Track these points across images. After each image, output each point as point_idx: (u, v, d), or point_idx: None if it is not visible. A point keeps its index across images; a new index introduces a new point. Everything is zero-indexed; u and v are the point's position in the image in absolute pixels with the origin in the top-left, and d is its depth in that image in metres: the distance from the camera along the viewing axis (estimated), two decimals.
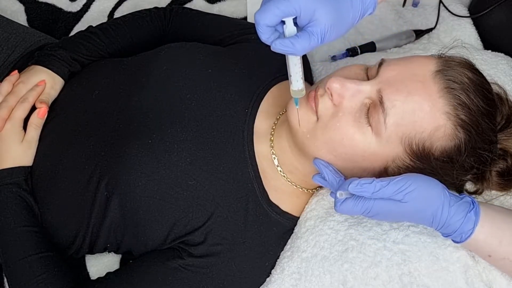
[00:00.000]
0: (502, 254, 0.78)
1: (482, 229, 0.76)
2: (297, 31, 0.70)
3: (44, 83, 1.00)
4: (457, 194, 0.79)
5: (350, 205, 0.77)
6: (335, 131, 0.80)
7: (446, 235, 0.79)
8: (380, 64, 0.82)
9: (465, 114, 0.77)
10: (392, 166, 0.81)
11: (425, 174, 0.80)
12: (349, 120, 0.79)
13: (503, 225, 0.77)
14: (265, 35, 0.69)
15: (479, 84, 0.80)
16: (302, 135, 0.83)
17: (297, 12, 0.68)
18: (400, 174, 0.81)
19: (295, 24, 0.70)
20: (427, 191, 0.76)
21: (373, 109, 0.79)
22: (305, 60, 1.11)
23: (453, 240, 0.79)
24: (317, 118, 0.81)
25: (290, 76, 0.78)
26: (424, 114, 0.77)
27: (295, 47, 0.69)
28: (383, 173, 0.82)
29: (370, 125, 0.79)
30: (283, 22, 0.70)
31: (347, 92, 0.79)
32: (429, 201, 0.76)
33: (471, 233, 0.76)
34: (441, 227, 0.77)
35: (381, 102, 0.78)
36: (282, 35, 0.71)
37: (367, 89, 0.79)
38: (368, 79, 0.82)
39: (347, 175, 0.84)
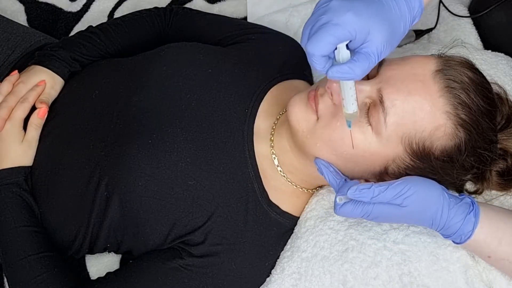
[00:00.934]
0: (501, 255, 0.78)
1: (481, 230, 0.77)
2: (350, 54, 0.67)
3: (44, 83, 1.00)
4: (457, 195, 0.80)
5: (350, 208, 0.77)
6: (335, 131, 0.80)
7: (446, 236, 0.79)
8: (380, 63, 0.82)
9: (465, 114, 0.77)
10: (393, 166, 0.81)
11: (425, 174, 0.80)
12: None
13: (502, 225, 0.77)
14: (320, 65, 0.67)
15: (479, 83, 0.80)
16: (302, 134, 0.83)
17: (352, 35, 0.65)
18: (400, 174, 0.81)
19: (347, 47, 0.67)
20: (426, 194, 0.76)
21: (373, 108, 0.79)
22: (305, 60, 1.11)
23: (453, 241, 0.79)
24: (317, 118, 0.81)
25: (343, 99, 0.74)
26: (424, 113, 0.77)
27: (355, 71, 0.66)
28: (384, 173, 0.82)
29: (370, 125, 0.79)
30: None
31: None
32: (428, 204, 0.76)
33: (471, 234, 0.76)
34: (441, 229, 0.77)
35: (381, 101, 0.78)
36: (334, 60, 0.68)
37: (367, 88, 0.79)
38: (368, 78, 0.82)
39: (348, 175, 0.84)
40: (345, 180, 0.82)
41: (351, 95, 0.73)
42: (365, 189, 0.75)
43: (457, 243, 0.79)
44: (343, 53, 0.67)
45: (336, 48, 0.67)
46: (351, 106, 0.74)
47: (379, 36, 0.66)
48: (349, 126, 0.77)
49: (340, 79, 0.68)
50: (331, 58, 0.69)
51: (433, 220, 0.77)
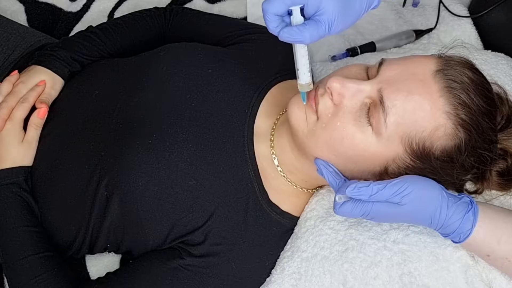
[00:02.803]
0: (500, 254, 0.78)
1: (480, 229, 0.77)
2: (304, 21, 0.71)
3: (44, 83, 1.00)
4: (456, 194, 0.80)
5: (349, 208, 0.77)
6: (335, 131, 0.80)
7: (445, 235, 0.79)
8: (380, 63, 0.82)
9: (465, 114, 0.77)
10: (393, 166, 0.81)
11: (425, 174, 0.80)
12: (350, 120, 0.79)
13: (501, 224, 0.78)
14: (272, 24, 0.70)
15: (479, 83, 0.80)
16: (303, 135, 0.83)
17: (305, 0, 0.69)
18: (400, 174, 0.81)
19: (302, 15, 0.71)
20: (424, 193, 0.76)
21: (374, 108, 0.79)
22: None
23: (452, 240, 0.79)
24: (317, 118, 0.81)
25: (297, 70, 0.77)
26: (424, 113, 0.77)
27: (303, 34, 0.70)
28: (384, 173, 0.82)
29: (370, 125, 0.79)
30: (290, 14, 0.71)
31: (348, 91, 0.79)
32: (427, 203, 0.76)
33: (470, 233, 0.77)
34: (440, 228, 0.77)
35: (381, 101, 0.78)
36: (289, 25, 0.72)
37: (368, 88, 0.79)
38: (369, 79, 0.82)
39: (348, 175, 0.84)
40: (345, 180, 0.82)
41: (303, 64, 0.77)
42: (363, 187, 0.75)
43: (456, 242, 0.79)
44: (296, 18, 0.71)
45: (291, 13, 0.71)
46: (303, 77, 0.78)
47: (331, 6, 0.70)
48: (303, 99, 0.80)
49: (288, 41, 0.71)
50: (286, 23, 0.72)
51: (432, 218, 0.77)
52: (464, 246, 0.81)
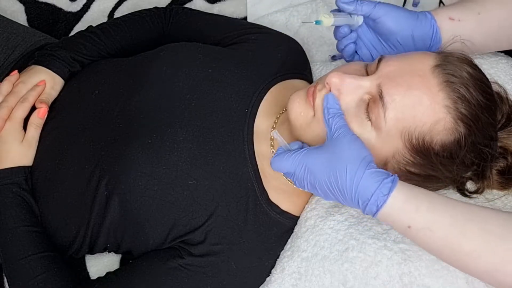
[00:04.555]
0: (421, 223, 0.74)
1: (398, 195, 0.73)
2: None
3: (44, 83, 1.00)
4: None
5: (284, 157, 0.77)
6: None
7: (364, 205, 0.74)
8: (380, 60, 0.82)
9: (465, 108, 0.77)
10: (392, 162, 0.81)
11: (426, 170, 0.80)
12: (349, 115, 0.79)
13: (420, 195, 0.75)
14: None
15: (478, 78, 0.80)
16: (300, 129, 0.83)
17: None
18: (400, 170, 0.81)
19: None
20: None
21: (373, 104, 0.79)
22: (304, 60, 1.11)
23: (371, 213, 0.75)
24: (314, 113, 0.81)
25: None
26: (424, 108, 0.77)
27: None
28: (383, 168, 0.82)
29: (369, 120, 0.79)
30: None
31: (347, 87, 0.79)
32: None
33: (387, 198, 0.73)
34: (355, 189, 0.73)
35: (380, 96, 0.78)
36: None
37: (367, 84, 0.79)
38: (368, 75, 0.82)
39: None
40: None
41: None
42: None
43: (375, 214, 0.74)
44: None
45: None
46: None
47: None
48: (319, 22, 0.92)
49: None
50: None
51: (362, 160, 0.74)
52: (384, 219, 0.76)
